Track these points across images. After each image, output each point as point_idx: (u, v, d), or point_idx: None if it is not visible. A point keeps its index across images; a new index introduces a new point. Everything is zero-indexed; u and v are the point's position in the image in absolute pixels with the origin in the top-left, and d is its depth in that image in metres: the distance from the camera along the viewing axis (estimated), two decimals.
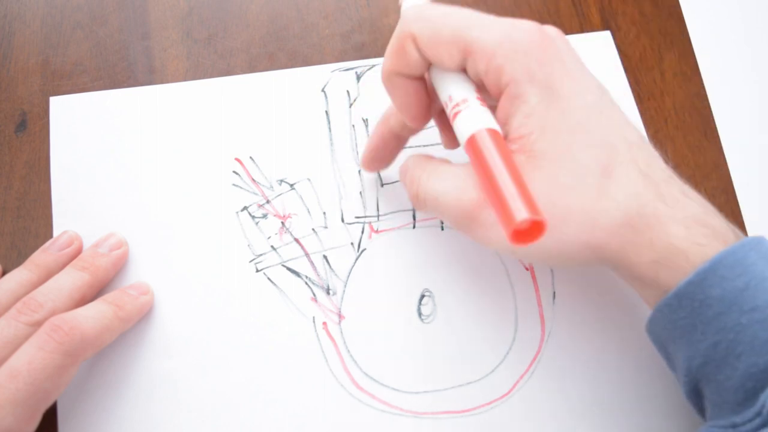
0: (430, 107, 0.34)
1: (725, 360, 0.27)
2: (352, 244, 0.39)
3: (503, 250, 0.31)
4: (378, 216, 0.39)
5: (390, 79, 0.32)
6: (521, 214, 0.25)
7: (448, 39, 0.29)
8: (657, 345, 0.31)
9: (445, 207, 0.31)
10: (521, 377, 0.36)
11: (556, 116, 0.29)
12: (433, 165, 0.33)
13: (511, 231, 0.26)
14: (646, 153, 0.30)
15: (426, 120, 0.34)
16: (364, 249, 0.38)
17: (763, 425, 0.26)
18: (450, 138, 0.36)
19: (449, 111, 0.31)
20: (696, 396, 0.30)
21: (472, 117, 0.29)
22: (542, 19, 0.43)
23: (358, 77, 0.41)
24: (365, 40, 0.43)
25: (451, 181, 0.31)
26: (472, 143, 0.28)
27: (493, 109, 0.30)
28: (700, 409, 0.30)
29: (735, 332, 0.27)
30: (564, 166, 0.29)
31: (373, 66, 0.42)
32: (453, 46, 0.29)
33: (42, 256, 0.36)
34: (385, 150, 0.37)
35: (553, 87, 0.29)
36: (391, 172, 0.40)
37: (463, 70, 0.31)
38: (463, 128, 0.29)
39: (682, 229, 0.28)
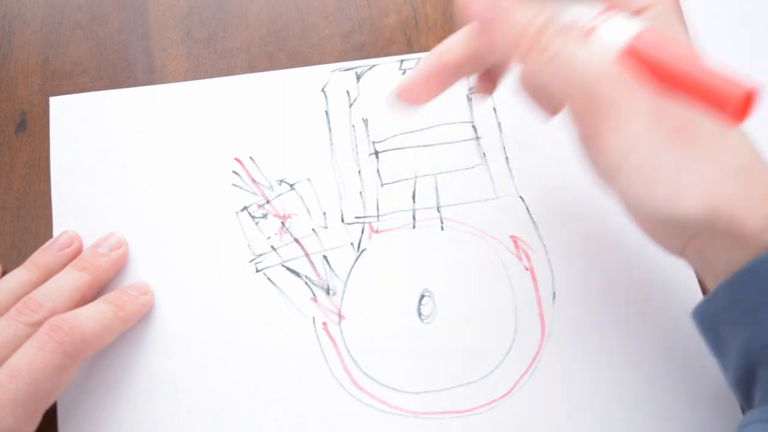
0: None
1: None
2: (352, 244, 0.39)
3: (630, 176, 0.26)
4: (378, 216, 0.39)
5: None
6: (738, 87, 0.23)
7: None
8: (705, 327, 0.30)
9: (579, 72, 0.26)
10: (521, 377, 0.36)
11: None
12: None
13: (733, 109, 0.23)
14: None
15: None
16: (364, 249, 0.38)
17: None
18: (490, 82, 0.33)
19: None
20: (746, 382, 0.29)
21: (619, 24, 0.26)
22: None
23: (358, 77, 0.41)
24: (365, 40, 0.43)
25: (594, 48, 0.26)
26: (642, 41, 0.25)
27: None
28: (747, 396, 0.29)
29: None
30: (691, 119, 0.26)
31: (373, 66, 0.42)
32: None
33: (42, 256, 0.36)
34: (437, 80, 0.32)
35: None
36: (390, 171, 0.40)
37: None
38: (615, 36, 0.26)
39: None
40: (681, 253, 0.31)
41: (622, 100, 0.25)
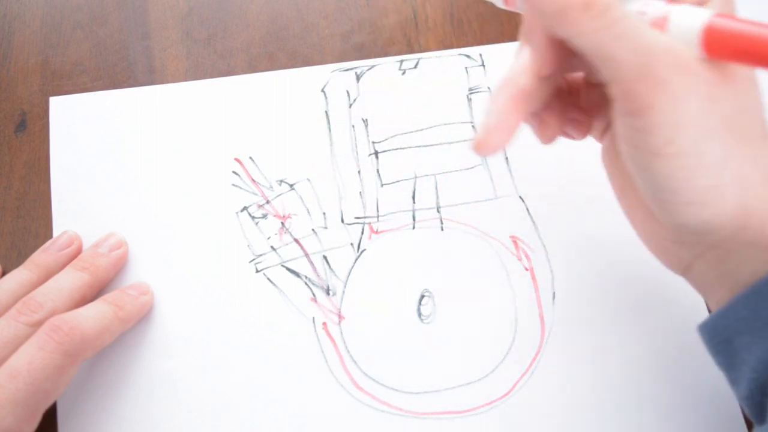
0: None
1: None
2: (351, 244, 0.39)
3: (674, 159, 0.25)
4: (378, 216, 0.39)
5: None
6: None
7: None
8: (716, 340, 0.29)
9: (644, 40, 0.24)
10: (521, 377, 0.36)
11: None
12: None
13: None
14: None
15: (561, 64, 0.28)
16: (364, 249, 0.38)
17: None
18: (555, 123, 0.31)
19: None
20: (760, 394, 0.28)
21: (690, 10, 0.25)
22: None
23: (358, 77, 0.41)
24: (365, 40, 0.43)
25: (672, 30, 0.25)
26: (721, 19, 0.25)
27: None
28: (760, 410, 0.29)
29: None
30: (743, 101, 0.26)
31: (373, 66, 0.42)
32: None
33: (42, 257, 0.36)
34: (515, 114, 0.28)
35: None
36: (390, 172, 0.40)
37: None
38: (690, 18, 0.25)
39: None
40: (687, 268, 0.30)
41: (682, 76, 0.24)
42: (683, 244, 0.29)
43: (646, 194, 0.28)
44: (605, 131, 0.32)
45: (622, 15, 0.25)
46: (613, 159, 0.32)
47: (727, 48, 0.24)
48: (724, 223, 0.26)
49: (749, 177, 0.26)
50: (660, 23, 0.26)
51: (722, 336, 0.29)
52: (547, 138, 0.32)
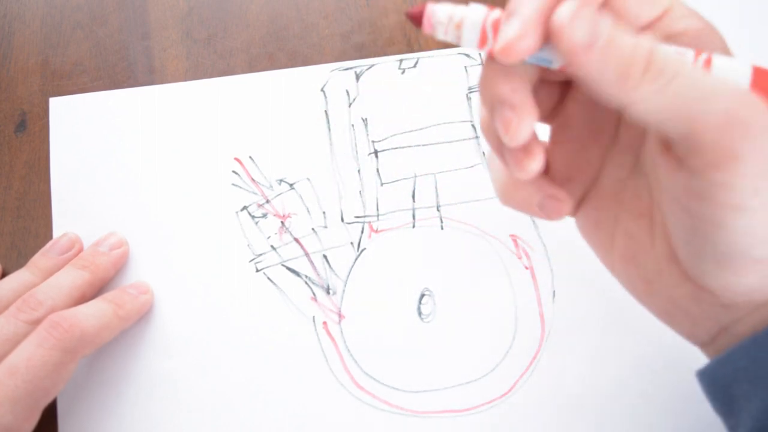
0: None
1: None
2: (351, 243, 0.39)
3: (749, 221, 0.23)
4: (378, 215, 0.39)
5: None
6: None
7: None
8: (715, 386, 0.28)
9: (711, 90, 0.22)
10: (521, 376, 0.36)
11: None
12: None
13: None
14: None
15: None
16: (364, 248, 0.38)
17: None
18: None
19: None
20: None
21: (728, 59, 0.24)
22: None
23: (358, 77, 0.41)
24: (365, 40, 0.43)
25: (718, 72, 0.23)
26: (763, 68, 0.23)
27: None
28: None
29: None
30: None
31: (373, 65, 0.42)
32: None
33: (43, 260, 0.36)
34: (540, 26, 0.24)
35: None
36: (390, 171, 0.40)
37: None
38: (734, 63, 0.24)
39: None
40: (711, 341, 0.29)
41: (763, 117, 0.22)
42: (700, 314, 0.27)
43: (695, 259, 0.25)
44: (580, 203, 0.30)
45: (678, 69, 0.22)
46: (595, 231, 0.30)
47: None
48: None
49: None
50: (705, 67, 0.24)
51: (721, 383, 0.28)
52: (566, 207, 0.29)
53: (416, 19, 0.26)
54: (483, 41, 0.24)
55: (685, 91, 0.22)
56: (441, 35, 0.25)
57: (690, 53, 0.24)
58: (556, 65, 0.25)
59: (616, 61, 0.22)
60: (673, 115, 0.22)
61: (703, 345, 0.29)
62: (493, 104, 0.25)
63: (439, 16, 0.25)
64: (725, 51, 0.26)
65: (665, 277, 0.28)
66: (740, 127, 0.21)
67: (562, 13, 0.22)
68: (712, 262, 0.25)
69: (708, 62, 0.24)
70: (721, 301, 0.27)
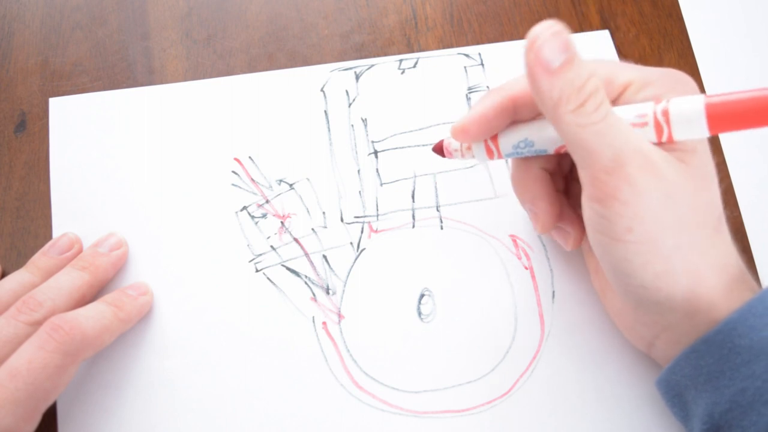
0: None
1: (752, 406, 0.28)
2: (351, 243, 0.39)
3: (633, 245, 0.28)
4: (377, 215, 0.39)
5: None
6: None
7: (604, 78, 0.30)
8: (670, 394, 0.32)
9: (622, 138, 0.28)
10: (521, 376, 0.36)
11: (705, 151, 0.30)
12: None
13: None
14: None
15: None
16: (364, 248, 0.38)
17: None
18: (578, 229, 0.35)
19: (644, 124, 0.29)
20: None
21: (684, 100, 0.28)
22: (542, 20, 0.43)
23: (357, 77, 0.41)
24: (364, 40, 0.43)
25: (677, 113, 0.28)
26: (714, 98, 0.27)
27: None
28: None
29: (763, 380, 0.27)
30: (699, 199, 0.29)
31: (372, 66, 0.42)
32: (610, 84, 0.30)
33: (43, 260, 0.36)
34: (495, 117, 0.32)
35: None
36: (390, 171, 0.40)
37: None
38: (689, 107, 0.28)
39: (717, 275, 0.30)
40: (649, 346, 0.33)
41: (647, 175, 0.27)
42: (643, 324, 0.32)
43: (608, 275, 0.31)
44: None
45: (607, 114, 0.27)
46: (587, 257, 0.37)
47: (728, 119, 0.27)
48: (675, 306, 0.29)
49: (699, 266, 0.29)
50: (664, 116, 0.28)
51: (674, 390, 0.32)
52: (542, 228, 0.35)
53: (439, 151, 0.36)
54: (489, 153, 0.33)
55: (606, 132, 0.27)
56: (459, 157, 0.34)
57: (650, 108, 0.28)
58: (550, 150, 0.31)
59: (566, 85, 0.27)
60: (583, 145, 0.28)
61: (649, 351, 0.34)
62: (523, 204, 0.35)
63: (454, 145, 0.34)
64: (691, 91, 0.30)
65: (609, 292, 0.35)
66: (623, 176, 0.27)
67: (537, 30, 0.28)
68: (613, 282, 0.31)
69: (665, 112, 0.28)
70: (637, 318, 0.33)
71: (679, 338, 0.31)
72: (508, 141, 0.32)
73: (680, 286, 0.29)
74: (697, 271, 0.29)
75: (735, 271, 0.30)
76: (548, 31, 0.27)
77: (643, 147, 0.28)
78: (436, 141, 0.41)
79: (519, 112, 0.32)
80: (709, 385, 0.29)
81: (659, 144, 0.29)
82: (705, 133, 0.27)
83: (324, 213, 0.39)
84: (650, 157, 0.28)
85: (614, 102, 0.30)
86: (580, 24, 0.44)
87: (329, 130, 0.40)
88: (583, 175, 0.29)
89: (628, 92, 0.30)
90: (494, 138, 0.33)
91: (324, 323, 0.37)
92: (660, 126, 0.28)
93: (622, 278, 0.30)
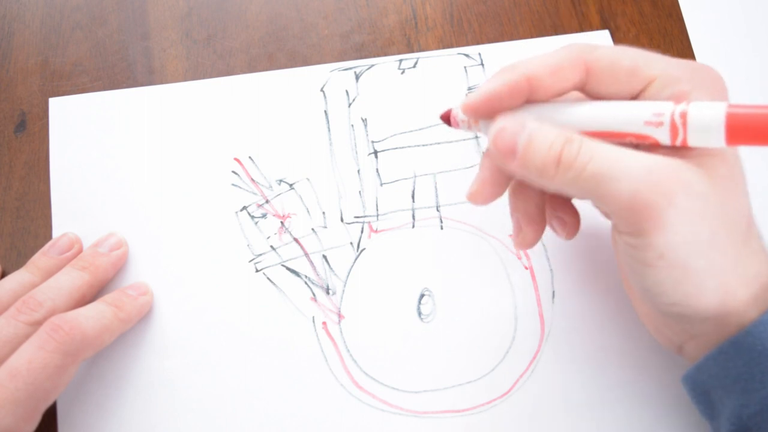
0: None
1: None
2: (351, 243, 0.39)
3: (664, 271, 0.28)
4: (377, 215, 0.39)
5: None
6: None
7: (627, 68, 0.29)
8: (696, 391, 0.32)
9: (617, 181, 0.27)
10: (521, 376, 0.36)
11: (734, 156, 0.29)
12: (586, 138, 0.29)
13: None
14: None
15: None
16: (364, 248, 0.38)
17: None
18: (570, 223, 0.34)
19: (661, 126, 0.27)
20: None
21: (705, 105, 0.26)
22: (542, 20, 0.44)
23: (357, 77, 0.41)
24: (364, 40, 0.43)
25: (634, 161, 0.27)
26: (736, 107, 0.26)
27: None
28: None
29: None
30: (729, 208, 0.28)
31: (372, 66, 0.42)
32: (633, 75, 0.29)
33: (43, 260, 0.36)
34: (503, 179, 0.32)
35: None
36: (390, 171, 0.40)
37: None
38: (708, 110, 0.26)
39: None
40: (679, 349, 0.33)
41: (665, 206, 0.27)
42: (673, 331, 0.32)
43: (636, 291, 0.31)
44: None
45: (589, 156, 0.27)
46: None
47: (749, 132, 0.25)
48: (705, 320, 0.29)
49: (730, 280, 0.28)
50: (682, 119, 0.27)
51: (701, 389, 0.31)
52: (526, 243, 0.34)
53: (446, 119, 0.34)
54: None
55: (598, 174, 0.27)
56: (465, 129, 0.33)
57: (668, 108, 0.27)
58: None
59: (533, 163, 0.28)
60: (589, 194, 0.28)
61: (678, 352, 0.34)
62: (512, 214, 0.34)
63: (461, 116, 0.33)
64: (720, 92, 0.29)
65: (638, 296, 0.33)
66: (644, 209, 0.27)
67: (491, 129, 0.29)
68: (643, 298, 0.31)
69: (684, 115, 0.27)
70: (666, 325, 0.32)
71: (709, 344, 0.30)
72: None
73: (712, 302, 0.28)
74: (727, 285, 0.28)
75: (765, 280, 0.29)
76: (494, 131, 0.29)
77: (648, 178, 0.27)
78: (435, 141, 0.41)
79: (535, 93, 0.30)
80: (738, 387, 0.29)
81: (672, 147, 0.28)
82: (721, 143, 0.26)
83: (324, 213, 0.39)
84: (659, 185, 0.27)
85: (635, 97, 0.30)
86: (580, 24, 0.44)
87: (329, 130, 0.40)
88: (605, 211, 0.29)
89: (652, 88, 0.29)
90: None
91: (324, 323, 0.37)
92: (676, 128, 0.27)
93: (652, 297, 0.29)
